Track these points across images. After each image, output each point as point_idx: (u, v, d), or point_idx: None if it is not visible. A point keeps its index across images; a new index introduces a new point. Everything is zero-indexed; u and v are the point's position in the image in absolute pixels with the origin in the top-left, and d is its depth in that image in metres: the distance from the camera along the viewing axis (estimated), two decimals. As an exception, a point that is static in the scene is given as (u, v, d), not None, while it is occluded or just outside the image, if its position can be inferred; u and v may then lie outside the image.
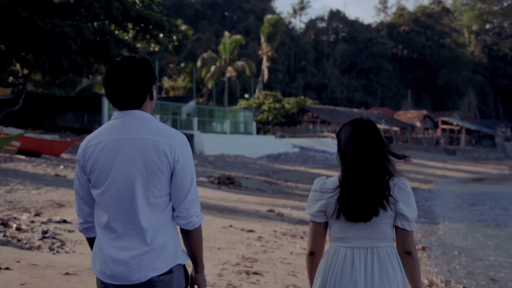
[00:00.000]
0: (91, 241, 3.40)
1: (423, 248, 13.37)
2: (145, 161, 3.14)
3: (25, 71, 35.10)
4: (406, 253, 3.46)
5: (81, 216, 3.36)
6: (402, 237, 3.46)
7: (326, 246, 3.59)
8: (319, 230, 3.57)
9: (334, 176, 3.57)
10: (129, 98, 3.19)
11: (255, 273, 8.71)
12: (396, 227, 3.48)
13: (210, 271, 8.30)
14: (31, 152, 23.64)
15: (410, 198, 3.48)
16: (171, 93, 70.86)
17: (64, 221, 10.85)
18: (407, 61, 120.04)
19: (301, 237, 12.61)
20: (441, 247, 14.09)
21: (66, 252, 8.70)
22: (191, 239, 3.28)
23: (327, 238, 3.64)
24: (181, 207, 3.20)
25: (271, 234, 12.51)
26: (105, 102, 39.84)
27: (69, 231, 10.11)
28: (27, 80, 35.07)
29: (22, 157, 22.88)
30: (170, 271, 3.18)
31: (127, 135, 3.18)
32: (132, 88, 3.18)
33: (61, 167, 21.33)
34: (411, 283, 3.50)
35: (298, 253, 10.80)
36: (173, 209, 3.23)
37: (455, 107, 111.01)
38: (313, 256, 3.59)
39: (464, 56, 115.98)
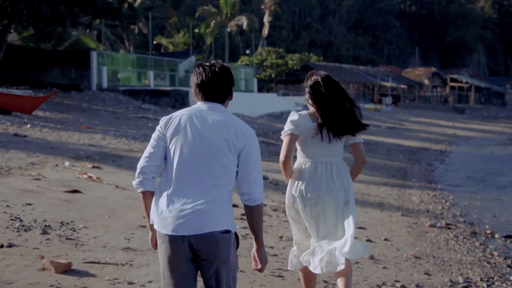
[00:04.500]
0: (147, 196, 3.80)
1: (448, 226, 10.81)
2: (223, 136, 3.74)
3: (4, 22, 32.27)
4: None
5: (147, 167, 3.76)
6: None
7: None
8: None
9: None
10: (217, 95, 3.86)
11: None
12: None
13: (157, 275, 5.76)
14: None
15: None
16: (171, 49, 67.67)
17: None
18: (415, 17, 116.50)
19: (296, 214, 10.07)
20: (468, 224, 11.50)
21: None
22: (252, 215, 3.76)
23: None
24: (245, 185, 3.74)
25: (259, 210, 9.96)
26: (94, 57, 36.99)
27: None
28: (6, 31, 32.20)
29: (-12, 114, 20.36)
30: (228, 231, 3.66)
31: (211, 116, 3.79)
32: (222, 88, 3.86)
33: (28, 125, 18.77)
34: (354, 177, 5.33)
35: (290, 238, 8.25)
36: (238, 188, 3.77)
37: (464, 65, 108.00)
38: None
39: (473, 12, 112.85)
